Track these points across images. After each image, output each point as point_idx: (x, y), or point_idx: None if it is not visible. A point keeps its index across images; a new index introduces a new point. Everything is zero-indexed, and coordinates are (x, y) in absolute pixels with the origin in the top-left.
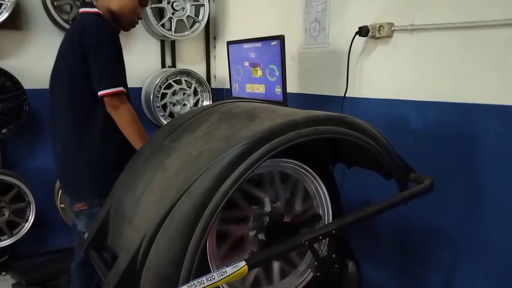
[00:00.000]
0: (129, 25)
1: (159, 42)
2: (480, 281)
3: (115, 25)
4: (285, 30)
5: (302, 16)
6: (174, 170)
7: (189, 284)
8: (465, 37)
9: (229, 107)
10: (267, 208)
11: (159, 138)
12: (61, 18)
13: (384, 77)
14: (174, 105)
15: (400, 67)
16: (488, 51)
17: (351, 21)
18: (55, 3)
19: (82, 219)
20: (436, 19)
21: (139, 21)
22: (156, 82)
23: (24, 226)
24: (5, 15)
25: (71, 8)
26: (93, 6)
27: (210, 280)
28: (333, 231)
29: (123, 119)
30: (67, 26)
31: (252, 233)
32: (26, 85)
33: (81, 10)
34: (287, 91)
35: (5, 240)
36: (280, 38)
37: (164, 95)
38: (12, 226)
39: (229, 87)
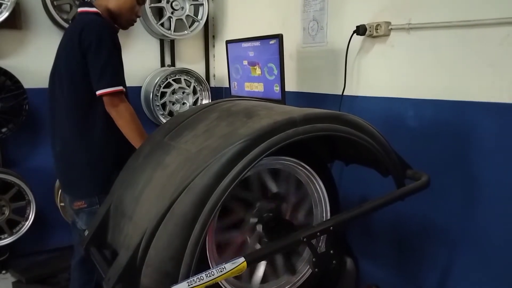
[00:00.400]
0: (128, 24)
1: (159, 41)
2: (476, 276)
3: (114, 24)
4: (284, 29)
5: (301, 15)
6: (174, 167)
7: (188, 280)
8: (461, 35)
9: (228, 105)
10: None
11: (158, 136)
12: (60, 17)
13: (382, 75)
14: (173, 104)
15: (397, 65)
16: (484, 49)
17: (349, 20)
18: (55, 2)
19: (82, 217)
20: (432, 18)
21: (138, 20)
22: (156, 81)
23: (24, 224)
24: (5, 14)
25: (71, 8)
26: (92, 6)
27: (210, 276)
28: (331, 228)
29: (123, 118)
30: (67, 26)
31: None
32: (26, 84)
33: (80, 9)
34: (286, 90)
35: (5, 238)
36: (279, 37)
37: (163, 94)
38: (12, 225)
39: (228, 86)
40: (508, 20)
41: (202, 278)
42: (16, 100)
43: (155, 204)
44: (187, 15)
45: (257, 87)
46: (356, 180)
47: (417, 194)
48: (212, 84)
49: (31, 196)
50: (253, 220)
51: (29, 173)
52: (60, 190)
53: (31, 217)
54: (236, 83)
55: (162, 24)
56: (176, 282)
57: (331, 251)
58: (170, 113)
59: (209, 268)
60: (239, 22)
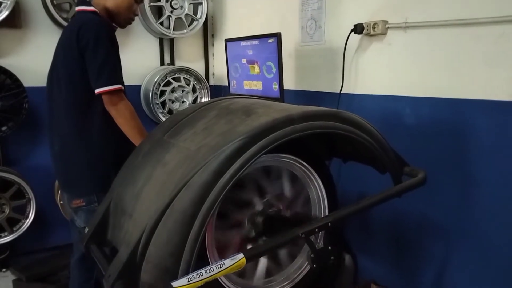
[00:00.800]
0: (126, 22)
1: (158, 40)
2: (472, 271)
3: (112, 22)
4: (282, 28)
5: (299, 14)
6: (173, 165)
7: (188, 276)
8: (457, 34)
9: (227, 103)
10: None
11: (158, 134)
12: (60, 16)
13: (379, 73)
14: (173, 102)
15: (394, 63)
16: (479, 47)
17: (346, 19)
18: (55, 1)
19: (81, 215)
20: (429, 17)
21: (138, 19)
22: (155, 80)
23: (24, 222)
24: (5, 13)
25: (70, 7)
26: (90, 4)
27: (209, 272)
28: (329, 224)
29: (122, 116)
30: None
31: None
32: (26, 83)
33: (78, 8)
34: (284, 88)
35: (5, 236)
36: (277, 36)
37: (163, 93)
38: (12, 223)
39: (227, 84)
40: (502, 19)
41: (201, 274)
42: (16, 99)
43: (155, 201)
44: (186, 14)
45: (256, 85)
46: (354, 178)
47: (414, 190)
48: (211, 82)
49: (31, 194)
50: (253, 216)
51: (29, 172)
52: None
53: (31, 215)
54: (235, 81)
55: (161, 23)
56: (175, 278)
57: (329, 247)
58: (170, 111)
59: (209, 264)
60: (238, 21)
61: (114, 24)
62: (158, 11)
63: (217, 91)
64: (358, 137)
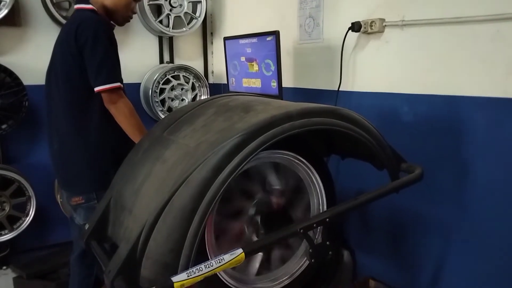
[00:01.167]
0: (124, 20)
1: (157, 38)
2: (468, 266)
3: (110, 20)
4: (281, 26)
5: (297, 12)
6: (173, 161)
7: (188, 271)
8: (453, 31)
9: (226, 101)
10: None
11: (158, 131)
12: (59, 15)
13: (376, 71)
14: (172, 100)
15: (392, 61)
16: (475, 45)
17: (344, 17)
18: (54, 0)
19: (80, 212)
20: (425, 15)
21: (137, 17)
22: (155, 78)
23: (24, 220)
24: (4, 11)
25: (70, 5)
26: (88, 3)
27: (209, 267)
28: (327, 219)
29: (122, 114)
30: None
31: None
32: (26, 81)
33: (76, 6)
34: (283, 86)
35: (5, 234)
36: (275, 34)
37: (162, 90)
38: (12, 221)
39: (226, 82)
40: (498, 17)
41: (201, 269)
42: (16, 97)
43: (154, 197)
44: (186, 13)
45: (255, 83)
46: (353, 174)
47: (411, 186)
48: (211, 80)
49: (31, 192)
50: (252, 212)
51: (29, 169)
52: None
53: (32, 213)
54: (234, 79)
55: (160, 21)
56: (175, 273)
57: (327, 242)
58: (169, 109)
59: (208, 260)
60: (237, 19)
61: (112, 22)
62: (157, 10)
63: (216, 89)
64: (356, 133)
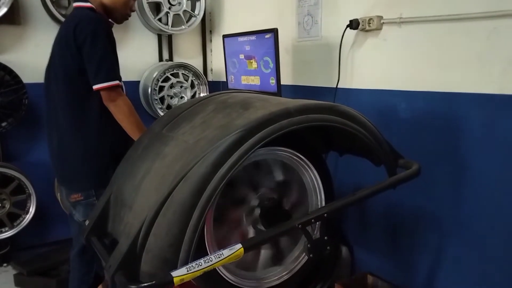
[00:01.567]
0: (122, 18)
1: (156, 36)
2: (465, 260)
3: (108, 18)
4: (279, 23)
5: (296, 10)
6: (172, 157)
7: (187, 266)
8: (450, 29)
9: (225, 97)
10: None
11: (157, 128)
12: (59, 13)
13: (374, 68)
14: (171, 98)
15: (389, 58)
16: (472, 42)
17: (342, 15)
18: None
19: (79, 209)
20: (423, 12)
21: (136, 15)
22: (154, 76)
23: (25, 218)
24: (3, 10)
25: (69, 3)
26: (87, 1)
27: (208, 262)
28: (325, 215)
29: (121, 111)
30: None
31: (248, 218)
32: (25, 79)
33: (75, 4)
34: (282, 83)
35: (6, 231)
36: (274, 31)
37: (161, 88)
38: (13, 218)
39: (225, 80)
40: (494, 14)
41: (200, 264)
42: (15, 95)
43: (154, 193)
44: (185, 10)
45: (254, 80)
46: (351, 171)
47: (408, 182)
48: (210, 78)
49: (31, 190)
50: (251, 208)
51: (29, 167)
52: None
53: (32, 210)
54: (233, 76)
55: (159, 19)
56: (175, 268)
57: (326, 238)
58: (168, 107)
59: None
60: (236, 17)
61: (110, 20)
62: (156, 8)
63: (215, 87)
64: (353, 130)
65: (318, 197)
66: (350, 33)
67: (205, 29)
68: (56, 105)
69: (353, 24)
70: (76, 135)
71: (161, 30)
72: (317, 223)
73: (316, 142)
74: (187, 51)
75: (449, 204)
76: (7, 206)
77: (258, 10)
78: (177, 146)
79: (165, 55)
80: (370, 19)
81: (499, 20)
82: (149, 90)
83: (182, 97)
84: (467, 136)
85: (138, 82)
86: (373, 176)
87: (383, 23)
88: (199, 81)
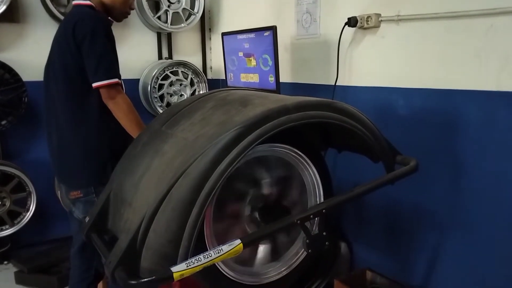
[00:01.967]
0: (122, 16)
1: (156, 34)
2: (462, 256)
3: (108, 16)
4: (278, 21)
5: (294, 7)
6: (172, 154)
7: (187, 262)
8: (448, 26)
9: (224, 95)
10: (264, 190)
11: (156, 125)
12: (58, 11)
13: (373, 66)
14: (171, 96)
15: (388, 56)
16: (469, 39)
17: (341, 12)
18: None
19: (79, 206)
20: (420, 10)
21: (135, 13)
22: (153, 74)
23: (25, 215)
24: (2, 7)
25: (68, 1)
26: None
27: (207, 257)
28: (324, 210)
29: (120, 109)
30: None
31: (248, 214)
32: (25, 77)
33: (74, 2)
34: (281, 81)
35: (6, 229)
36: (273, 29)
37: (161, 86)
38: (13, 216)
39: (224, 78)
40: (492, 11)
41: (200, 259)
42: (15, 93)
43: (154, 189)
44: (184, 8)
45: (253, 78)
46: (349, 167)
47: (406, 178)
48: (209, 76)
49: (31, 188)
50: (250, 205)
51: (29, 165)
52: None
53: (32, 208)
54: (232, 74)
55: (159, 17)
56: (175, 264)
57: (324, 233)
58: (168, 105)
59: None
60: (235, 15)
61: (110, 18)
62: (156, 6)
63: (215, 85)
64: (352, 126)
65: (317, 193)
66: (349, 30)
67: (204, 27)
68: (55, 102)
69: (351, 22)
70: (76, 133)
71: (160, 28)
72: (316, 219)
73: (314, 139)
74: (187, 49)
75: (446, 200)
76: (8, 204)
77: (257, 8)
78: (176, 143)
79: (165, 53)
80: (368, 16)
81: (496, 17)
82: (149, 88)
83: (181, 95)
84: (464, 133)
85: (138, 80)
86: (371, 173)
87: (381, 20)
88: (198, 79)
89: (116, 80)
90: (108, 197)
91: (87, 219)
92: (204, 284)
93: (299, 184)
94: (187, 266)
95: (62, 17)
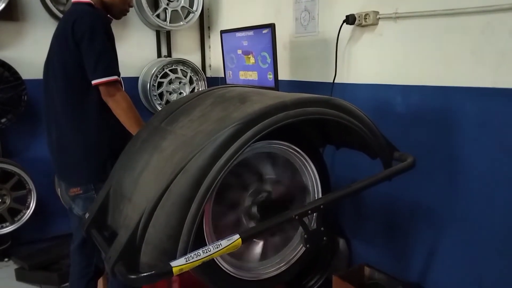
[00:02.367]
0: (121, 14)
1: (155, 33)
2: (459, 252)
3: (107, 14)
4: (277, 19)
5: (293, 5)
6: (171, 150)
7: (186, 256)
8: (445, 23)
9: (223, 92)
10: (264, 186)
11: (155, 121)
12: (57, 9)
13: (371, 63)
14: (170, 94)
15: (385, 53)
16: (466, 36)
17: (339, 10)
18: None
19: (79, 203)
20: (418, 7)
21: (135, 12)
22: (153, 72)
23: (25, 213)
24: (2, 6)
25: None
26: None
27: (206, 252)
28: (321, 206)
29: (120, 106)
30: None
31: (247, 210)
32: (24, 76)
33: (74, 0)
34: (279, 78)
35: (7, 227)
36: (271, 26)
37: (160, 84)
38: (13, 213)
39: (223, 76)
40: (488, 9)
41: (199, 254)
42: (14, 91)
43: (153, 185)
44: (183, 7)
45: (251, 76)
46: (347, 164)
47: (403, 174)
48: (208, 74)
49: (31, 185)
50: (249, 201)
51: (29, 163)
52: None
53: (32, 205)
54: (231, 72)
55: (158, 16)
56: (174, 258)
57: (322, 228)
58: (167, 103)
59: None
60: (234, 13)
61: (109, 16)
62: (155, 4)
63: (214, 82)
64: (349, 123)
65: (315, 189)
66: (347, 28)
67: (203, 25)
68: (55, 100)
69: (350, 20)
70: (75, 130)
71: (159, 26)
72: (314, 214)
73: (313, 136)
74: (186, 47)
75: (443, 196)
76: (8, 201)
77: (255, 6)
78: (176, 139)
79: (164, 51)
80: (366, 14)
81: (493, 14)
82: (148, 86)
83: (180, 93)
84: (461, 129)
85: (137, 78)
86: (369, 170)
87: (379, 18)
88: (197, 77)
89: (115, 77)
90: (108, 193)
91: (87, 215)
92: (203, 279)
93: (298, 180)
94: (186, 261)
95: (61, 15)
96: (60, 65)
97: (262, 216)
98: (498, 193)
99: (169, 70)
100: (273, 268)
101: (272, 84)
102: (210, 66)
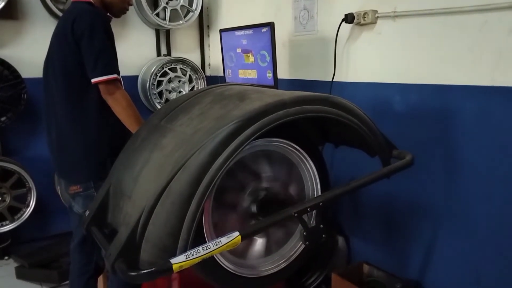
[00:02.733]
0: (120, 12)
1: (154, 31)
2: (458, 248)
3: (106, 12)
4: (276, 18)
5: (292, 4)
6: (170, 148)
7: (186, 254)
8: (443, 22)
9: (222, 90)
10: (264, 183)
11: (155, 119)
12: (56, 7)
13: (369, 62)
14: (169, 93)
15: (384, 52)
16: (464, 35)
17: (338, 9)
18: None
19: (78, 200)
20: (416, 6)
21: (134, 10)
22: (152, 70)
23: (25, 211)
24: (1, 4)
25: None
26: None
27: (206, 249)
28: (321, 203)
29: (119, 105)
30: None
31: (246, 207)
32: (24, 74)
33: None
34: (279, 77)
35: (7, 225)
36: (270, 25)
37: (160, 83)
38: (13, 212)
39: (222, 74)
40: (486, 7)
41: (199, 251)
42: (14, 90)
43: (153, 183)
44: (182, 5)
45: (251, 74)
46: (346, 162)
47: (402, 171)
48: (208, 72)
49: (31, 184)
50: (248, 199)
51: (29, 161)
52: None
53: (32, 204)
54: (230, 70)
55: (157, 14)
56: (174, 256)
57: (321, 226)
58: (167, 102)
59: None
60: (233, 12)
61: (109, 14)
62: (154, 3)
63: (213, 81)
64: (349, 121)
65: (314, 187)
66: (346, 27)
67: (203, 24)
68: (54, 98)
69: (348, 18)
70: (75, 128)
71: (158, 25)
72: (313, 212)
73: (312, 134)
74: (185, 46)
75: (442, 194)
76: (8, 200)
77: (254, 4)
78: (175, 137)
79: (163, 50)
80: (365, 13)
81: (490, 13)
82: (148, 84)
83: (180, 92)
84: (459, 127)
85: (137, 77)
86: (368, 167)
87: (378, 17)
88: (197, 75)
89: (115, 75)
90: (108, 191)
91: (87, 213)
92: (203, 276)
93: (297, 177)
94: (186, 258)
95: (60, 14)
96: (60, 63)
97: (261, 213)
98: (496, 191)
99: (169, 69)
100: (273, 265)
101: (271, 83)
102: (209, 64)
